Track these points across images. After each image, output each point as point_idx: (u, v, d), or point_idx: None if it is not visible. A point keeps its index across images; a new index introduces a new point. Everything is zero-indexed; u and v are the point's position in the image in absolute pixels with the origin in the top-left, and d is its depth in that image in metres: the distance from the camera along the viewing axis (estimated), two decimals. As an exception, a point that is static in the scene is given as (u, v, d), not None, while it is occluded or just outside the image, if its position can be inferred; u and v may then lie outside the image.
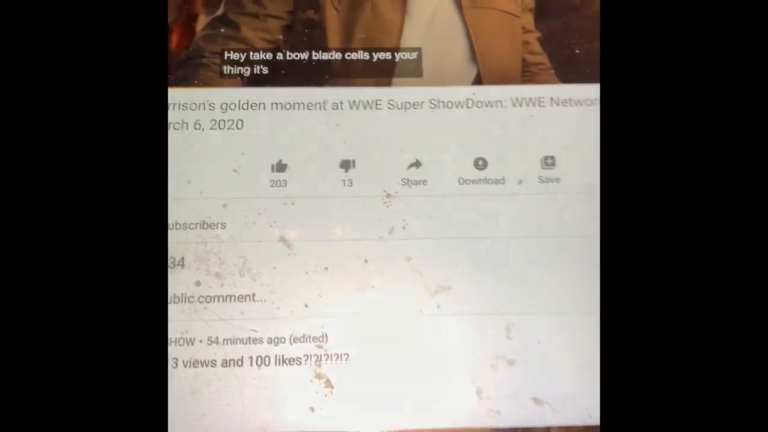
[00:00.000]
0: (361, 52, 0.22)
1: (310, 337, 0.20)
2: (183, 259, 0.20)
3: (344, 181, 0.21)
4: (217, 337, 0.20)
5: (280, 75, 0.22)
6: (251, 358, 0.20)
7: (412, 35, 0.23)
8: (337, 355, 0.20)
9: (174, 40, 0.22)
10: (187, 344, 0.20)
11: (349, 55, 0.22)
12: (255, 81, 0.22)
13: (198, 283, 0.20)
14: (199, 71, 0.22)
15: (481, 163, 0.21)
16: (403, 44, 0.23)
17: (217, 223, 0.20)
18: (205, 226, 0.20)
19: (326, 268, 0.20)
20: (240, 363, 0.20)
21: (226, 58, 0.22)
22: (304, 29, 0.22)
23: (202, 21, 0.23)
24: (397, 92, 0.22)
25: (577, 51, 0.23)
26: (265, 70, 0.22)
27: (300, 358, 0.20)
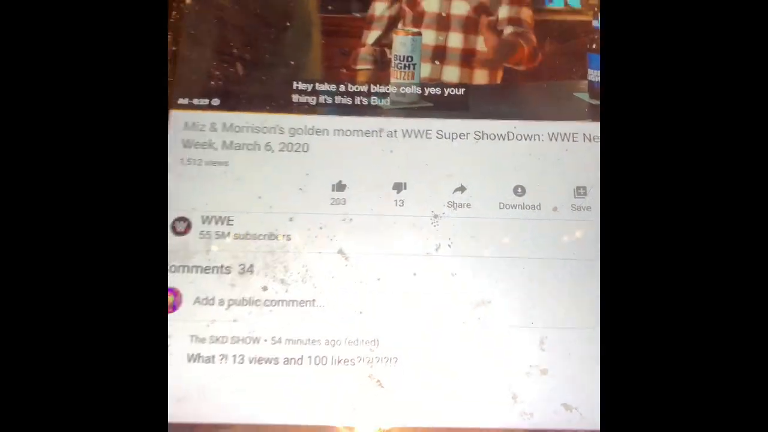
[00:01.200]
0: (414, 87, 0.25)
1: (363, 341, 0.22)
2: (252, 266, 0.23)
3: (396, 201, 0.23)
4: (280, 338, 0.22)
5: (343, 105, 0.24)
6: (310, 357, 0.22)
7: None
8: (387, 359, 0.22)
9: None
10: (253, 343, 0.22)
11: (403, 90, 0.25)
12: (320, 109, 0.24)
13: (265, 288, 0.22)
14: (265, 98, 0.24)
15: (519, 191, 0.24)
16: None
17: (284, 235, 0.23)
18: (273, 237, 0.23)
19: (379, 279, 0.23)
20: (300, 362, 0.22)
21: (294, 87, 0.24)
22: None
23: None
24: (445, 123, 0.24)
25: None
26: (329, 100, 0.24)
27: (354, 360, 0.22)
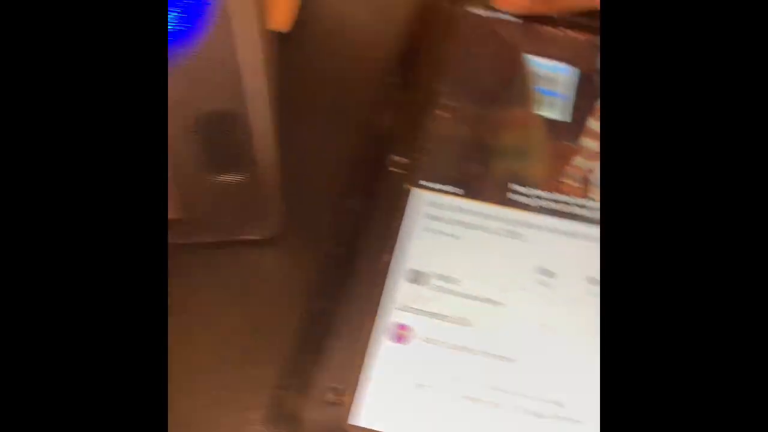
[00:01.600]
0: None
1: (552, 400, 0.27)
2: (469, 319, 0.28)
3: (589, 291, 0.29)
4: (484, 382, 0.27)
5: (552, 209, 0.31)
6: (508, 404, 0.27)
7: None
8: (570, 420, 0.26)
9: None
10: (462, 382, 0.27)
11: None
12: (534, 209, 0.31)
13: (476, 340, 0.28)
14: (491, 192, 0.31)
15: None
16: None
17: (497, 302, 0.29)
18: (489, 301, 0.29)
19: (570, 353, 0.28)
20: (498, 406, 0.27)
21: (516, 189, 0.31)
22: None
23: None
24: (631, 238, 0.30)
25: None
26: (542, 203, 0.31)
27: (544, 414, 0.26)
